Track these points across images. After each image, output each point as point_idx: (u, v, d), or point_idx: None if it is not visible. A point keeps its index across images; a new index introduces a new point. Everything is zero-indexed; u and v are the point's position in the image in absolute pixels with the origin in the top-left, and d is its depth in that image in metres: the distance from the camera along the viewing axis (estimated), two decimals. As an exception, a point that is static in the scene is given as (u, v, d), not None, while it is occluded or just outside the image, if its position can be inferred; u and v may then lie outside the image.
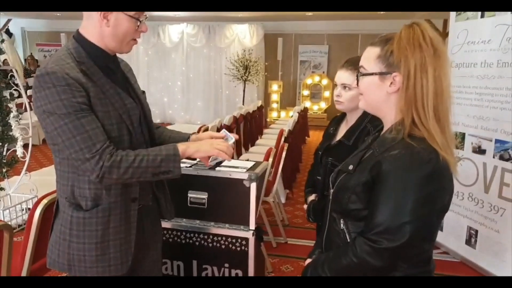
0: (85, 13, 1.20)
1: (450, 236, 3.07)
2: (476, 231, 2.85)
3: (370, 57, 1.00)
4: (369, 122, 1.54)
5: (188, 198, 1.84)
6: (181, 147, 1.23)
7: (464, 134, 2.94)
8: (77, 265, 1.24)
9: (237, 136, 1.39)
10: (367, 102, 1.04)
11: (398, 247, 0.90)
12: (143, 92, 1.42)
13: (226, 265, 1.86)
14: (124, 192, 1.24)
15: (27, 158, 3.46)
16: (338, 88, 1.61)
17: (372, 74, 0.99)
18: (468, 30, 2.92)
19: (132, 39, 1.23)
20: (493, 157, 2.71)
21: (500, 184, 2.67)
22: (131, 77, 1.36)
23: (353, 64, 1.53)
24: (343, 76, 1.57)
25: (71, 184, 1.21)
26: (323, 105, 9.09)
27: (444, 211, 0.97)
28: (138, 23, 1.21)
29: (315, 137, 7.46)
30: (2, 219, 3.11)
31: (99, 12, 1.15)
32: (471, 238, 2.89)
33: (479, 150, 2.83)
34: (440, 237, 3.14)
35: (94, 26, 1.19)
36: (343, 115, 1.73)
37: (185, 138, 1.46)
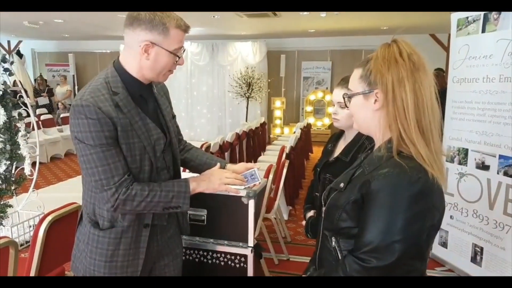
0: (126, 43, 1.26)
1: (455, 254, 3.02)
2: (482, 249, 2.80)
3: (354, 79, 1.04)
4: (366, 139, 1.55)
5: (188, 215, 1.84)
6: (192, 184, 1.32)
7: (467, 149, 2.92)
8: (88, 276, 1.32)
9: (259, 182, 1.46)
10: (357, 122, 1.07)
11: (387, 266, 0.90)
12: (174, 116, 1.47)
13: (226, 283, 1.85)
14: (138, 217, 1.31)
15: (35, 176, 3.51)
16: (334, 106, 1.64)
17: (356, 94, 1.03)
18: (469, 45, 2.93)
19: (168, 71, 1.29)
20: (497, 173, 2.69)
21: (505, 201, 2.63)
22: (163, 103, 1.40)
23: (348, 82, 1.56)
24: (339, 94, 1.60)
25: (93, 202, 1.30)
26: (327, 121, 9.10)
27: (435, 230, 0.97)
28: (177, 58, 1.26)
29: (318, 153, 7.40)
30: (11, 236, 3.14)
31: (140, 46, 1.20)
32: (477, 255, 2.84)
33: (483, 166, 2.80)
34: (445, 255, 3.10)
35: (134, 57, 1.24)
36: (341, 132, 1.75)
37: (222, 166, 1.49)
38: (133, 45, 1.23)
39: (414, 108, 0.93)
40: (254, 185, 1.49)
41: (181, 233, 1.54)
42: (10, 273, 1.53)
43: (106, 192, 1.20)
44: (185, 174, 2.07)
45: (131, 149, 1.24)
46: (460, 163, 2.97)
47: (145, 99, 1.32)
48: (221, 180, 1.35)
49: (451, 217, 3.03)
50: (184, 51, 1.29)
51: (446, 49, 7.72)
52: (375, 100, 0.98)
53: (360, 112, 1.03)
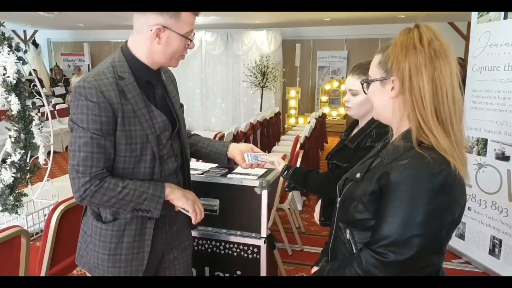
0: (135, 28, 1.23)
1: (472, 246, 2.96)
2: (500, 241, 2.74)
3: (373, 64, 1.01)
4: (375, 127, 1.52)
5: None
6: (167, 189, 1.26)
7: (486, 140, 2.84)
8: (93, 269, 1.31)
9: (263, 164, 1.51)
10: (376, 110, 1.03)
11: (405, 260, 0.87)
12: (182, 105, 1.45)
13: (238, 272, 1.85)
14: None
15: (49, 165, 3.55)
16: (347, 94, 1.61)
17: (373, 80, 0.99)
18: (490, 32, 2.83)
19: (180, 55, 1.27)
20: (518, 164, 2.61)
21: (525, 192, 2.57)
22: (171, 91, 1.37)
23: (360, 69, 1.53)
24: (350, 81, 1.57)
25: None
26: (342, 111, 8.98)
27: (455, 224, 0.93)
28: (189, 42, 1.24)
29: (333, 143, 7.35)
30: (26, 224, 3.20)
31: (152, 30, 1.18)
32: (495, 247, 2.78)
33: (503, 157, 2.72)
34: (462, 247, 3.04)
35: (144, 41, 1.21)
36: (357, 122, 1.71)
37: (225, 146, 1.49)
38: (144, 30, 1.20)
39: (432, 97, 0.89)
40: (258, 164, 1.49)
41: (190, 226, 1.49)
42: (22, 262, 1.54)
43: (78, 180, 1.15)
44: (195, 164, 2.06)
45: (132, 136, 1.20)
46: (479, 154, 2.89)
47: (153, 85, 1.29)
48: (194, 202, 1.31)
49: (469, 208, 2.96)
50: (194, 35, 1.26)
51: (466, 37, 7.52)
52: (392, 88, 0.95)
53: (377, 99, 1.00)
